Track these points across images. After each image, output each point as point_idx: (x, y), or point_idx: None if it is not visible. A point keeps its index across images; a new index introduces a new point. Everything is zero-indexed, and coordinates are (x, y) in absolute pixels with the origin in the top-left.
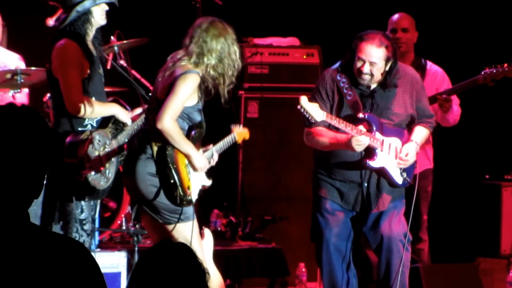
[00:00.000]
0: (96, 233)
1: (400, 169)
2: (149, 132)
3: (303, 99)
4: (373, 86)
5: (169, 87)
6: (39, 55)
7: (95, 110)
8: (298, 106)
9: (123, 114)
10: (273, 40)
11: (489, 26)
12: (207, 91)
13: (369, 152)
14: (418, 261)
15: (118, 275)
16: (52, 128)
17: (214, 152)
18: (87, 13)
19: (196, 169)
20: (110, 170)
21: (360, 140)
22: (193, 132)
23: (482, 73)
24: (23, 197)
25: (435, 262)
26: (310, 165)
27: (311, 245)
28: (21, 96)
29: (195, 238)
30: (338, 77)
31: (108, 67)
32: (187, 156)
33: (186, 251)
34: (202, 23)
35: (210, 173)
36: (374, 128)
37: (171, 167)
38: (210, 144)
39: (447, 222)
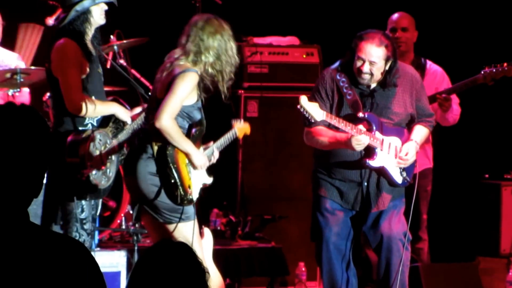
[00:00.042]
0: (96, 232)
1: (400, 168)
2: (149, 132)
3: (303, 99)
4: (373, 85)
5: (168, 86)
6: (39, 55)
7: (95, 109)
8: (298, 106)
9: (123, 113)
10: (272, 40)
11: (488, 26)
12: (206, 89)
13: (369, 151)
14: (418, 261)
15: (117, 274)
16: (52, 128)
17: (214, 149)
18: (86, 13)
19: (196, 167)
20: (111, 169)
21: (360, 139)
22: (193, 131)
23: (482, 72)
24: (23, 196)
25: (434, 262)
26: (309, 164)
27: (310, 244)
28: (23, 95)
29: (196, 237)
30: (338, 77)
31: (108, 66)
32: (186, 154)
33: (186, 251)
34: (198, 21)
35: (210, 170)
36: (374, 127)
37: (172, 166)
38: (211, 141)
39: (447, 221)
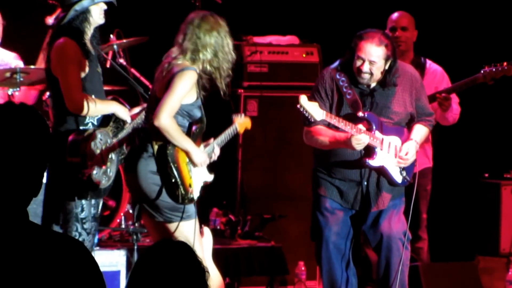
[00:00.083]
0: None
1: (400, 167)
2: (150, 131)
3: (303, 99)
4: (373, 85)
5: (167, 85)
6: (39, 54)
7: (95, 108)
8: (298, 106)
9: (123, 112)
10: (272, 39)
11: (488, 25)
12: (204, 87)
13: (369, 150)
14: (418, 260)
15: (117, 273)
16: (53, 127)
17: (215, 146)
18: (85, 12)
19: (196, 165)
20: (111, 168)
21: (360, 139)
22: (193, 128)
23: (482, 71)
24: (22, 195)
25: (434, 261)
26: (309, 163)
27: (310, 244)
28: (32, 94)
29: (196, 237)
30: (338, 76)
31: (108, 65)
32: (186, 152)
33: (186, 250)
34: (194, 19)
35: (211, 168)
36: (374, 127)
37: (172, 166)
38: (211, 138)
39: (447, 220)
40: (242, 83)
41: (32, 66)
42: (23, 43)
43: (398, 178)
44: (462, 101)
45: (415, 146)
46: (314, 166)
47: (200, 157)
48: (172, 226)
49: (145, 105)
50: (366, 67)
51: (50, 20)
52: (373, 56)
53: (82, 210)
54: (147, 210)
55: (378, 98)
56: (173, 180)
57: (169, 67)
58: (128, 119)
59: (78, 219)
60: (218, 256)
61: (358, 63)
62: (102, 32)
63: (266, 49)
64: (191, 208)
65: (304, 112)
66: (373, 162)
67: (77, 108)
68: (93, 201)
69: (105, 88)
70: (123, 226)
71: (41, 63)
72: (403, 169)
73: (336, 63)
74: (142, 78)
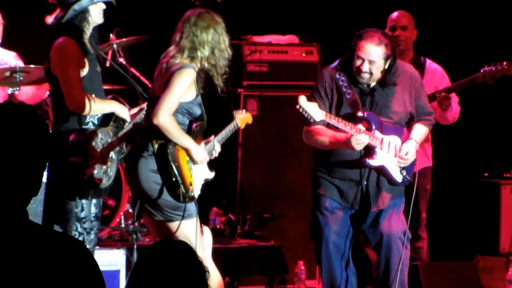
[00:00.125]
0: None
1: (400, 167)
2: (150, 130)
3: (302, 99)
4: (372, 84)
5: (166, 84)
6: (38, 53)
7: (95, 107)
8: (297, 106)
9: (123, 111)
10: (272, 38)
11: (488, 24)
12: (204, 84)
13: (369, 150)
14: (417, 259)
15: (117, 273)
16: (53, 127)
17: (216, 143)
18: (84, 12)
19: (196, 162)
20: (111, 168)
21: (359, 139)
22: (194, 126)
23: (481, 71)
24: (21, 194)
25: (434, 260)
26: (309, 162)
27: (310, 243)
28: (39, 92)
29: (198, 236)
30: (337, 76)
31: (107, 65)
32: (186, 150)
33: (186, 250)
34: (190, 17)
35: (212, 165)
36: (373, 127)
37: (173, 164)
38: (212, 136)
39: (446, 220)
40: (242, 83)
41: (32, 66)
42: (23, 43)
43: (398, 177)
44: (462, 101)
45: (415, 145)
46: (313, 165)
47: (200, 154)
48: (172, 225)
49: (144, 105)
50: (365, 67)
51: (50, 19)
52: (373, 55)
53: (82, 210)
54: (147, 209)
55: (378, 97)
56: (173, 179)
57: (167, 66)
58: (128, 119)
59: (78, 219)
60: (217, 256)
61: (358, 62)
62: (102, 31)
63: (265, 49)
64: (191, 207)
65: (304, 113)
66: (373, 162)
67: (78, 108)
68: (94, 200)
69: (105, 87)
70: (122, 225)
71: None
72: (403, 168)
73: (335, 63)
74: (142, 78)
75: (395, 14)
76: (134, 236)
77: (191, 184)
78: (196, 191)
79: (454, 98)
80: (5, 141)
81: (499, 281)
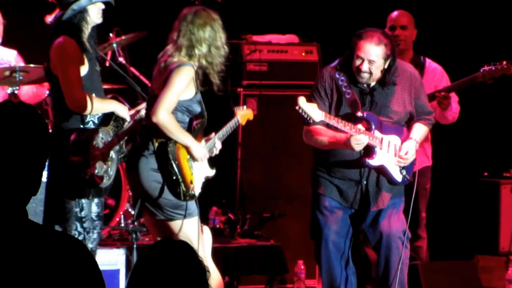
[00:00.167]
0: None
1: (400, 166)
2: (150, 129)
3: (301, 100)
4: (372, 84)
5: (165, 82)
6: (38, 53)
7: (96, 106)
8: (296, 107)
9: (123, 111)
10: (271, 38)
11: (488, 24)
12: (203, 82)
13: (368, 150)
14: (417, 259)
15: (116, 272)
16: (54, 126)
17: (216, 140)
18: (83, 12)
19: (196, 159)
20: (112, 167)
21: (359, 139)
22: (194, 123)
23: (481, 70)
24: (21, 194)
25: (433, 260)
26: (309, 162)
27: (310, 243)
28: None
29: (199, 235)
30: (337, 75)
31: (107, 64)
32: (186, 147)
33: (186, 249)
34: (186, 15)
35: (212, 164)
36: (373, 126)
37: (173, 163)
38: (212, 133)
39: (446, 219)
40: (242, 82)
41: (31, 65)
42: (23, 42)
43: (398, 177)
44: (462, 100)
45: (415, 145)
46: (313, 165)
47: (200, 151)
48: (173, 224)
49: (140, 106)
50: (365, 67)
51: (49, 18)
52: (372, 55)
53: (82, 209)
54: (148, 208)
55: (378, 97)
56: (174, 177)
57: (165, 64)
58: (128, 118)
59: (78, 218)
60: (217, 255)
61: (358, 62)
62: (101, 31)
63: (265, 48)
64: (192, 206)
65: (303, 114)
66: (373, 162)
67: (78, 107)
68: (96, 200)
69: (104, 87)
70: (122, 225)
71: None
72: (403, 168)
73: (335, 62)
74: (142, 77)
75: (394, 13)
76: (134, 236)
77: (191, 182)
78: (196, 189)
79: (454, 97)
80: (4, 141)
81: (498, 281)
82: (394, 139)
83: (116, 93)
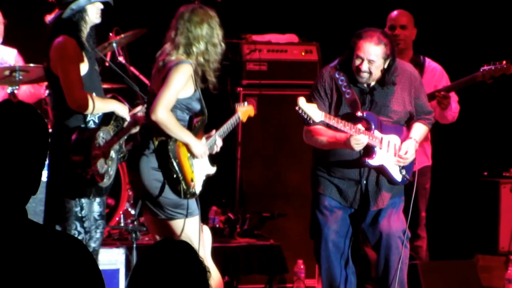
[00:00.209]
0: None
1: (399, 166)
2: (150, 128)
3: (301, 100)
4: (372, 84)
5: (164, 80)
6: (38, 52)
7: (97, 106)
8: (296, 107)
9: (123, 110)
10: (271, 37)
11: (487, 24)
12: (202, 79)
13: (368, 150)
14: (416, 258)
15: (116, 271)
16: (54, 125)
17: (217, 137)
18: (81, 11)
19: (196, 156)
20: (112, 167)
21: (359, 139)
22: (195, 121)
23: (481, 70)
24: (20, 193)
25: (433, 259)
26: (308, 161)
27: (309, 242)
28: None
29: (199, 235)
30: (337, 75)
31: (106, 64)
32: (185, 145)
33: (187, 249)
34: (183, 13)
35: (213, 160)
36: (373, 126)
37: (173, 161)
38: (213, 130)
39: (446, 219)
40: (241, 82)
41: (31, 65)
42: (23, 42)
43: (397, 176)
44: (461, 100)
45: (415, 144)
46: (313, 164)
47: (199, 148)
48: (173, 223)
49: (136, 109)
50: (365, 66)
51: (49, 18)
52: (372, 55)
53: (82, 209)
54: (149, 208)
55: (377, 97)
56: (174, 175)
57: (164, 63)
58: (128, 118)
59: (78, 218)
60: (217, 255)
61: (357, 62)
62: (101, 30)
63: (265, 48)
64: (193, 205)
65: (303, 114)
66: (373, 161)
67: (79, 106)
68: (98, 199)
69: (104, 86)
70: (122, 224)
71: None
72: (403, 167)
73: (335, 62)
74: (142, 77)
75: (394, 13)
76: (134, 235)
77: (192, 180)
78: (197, 187)
79: (454, 97)
80: (3, 140)
81: (498, 280)
82: (393, 139)
83: (116, 92)
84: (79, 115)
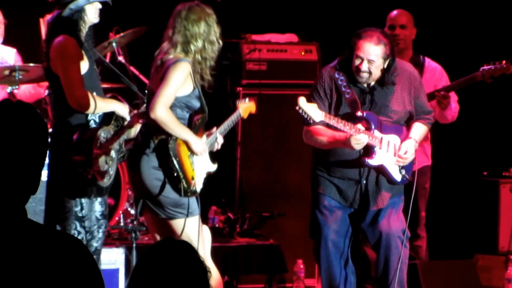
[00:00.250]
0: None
1: (399, 166)
2: (150, 127)
3: (301, 100)
4: (372, 83)
5: (162, 79)
6: (38, 52)
7: (98, 105)
8: (297, 107)
9: (123, 110)
10: (271, 37)
11: (487, 23)
12: (201, 77)
13: (368, 150)
14: (416, 258)
15: (116, 271)
16: (54, 125)
17: (218, 134)
18: (80, 11)
19: (196, 154)
20: (112, 167)
21: (359, 139)
22: (195, 119)
23: (480, 70)
24: (20, 193)
25: (433, 259)
26: (308, 161)
27: (309, 242)
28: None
29: (199, 234)
30: (336, 75)
31: (107, 62)
32: (185, 142)
33: (187, 249)
34: (181, 11)
35: (214, 157)
36: (373, 126)
37: (174, 160)
38: (214, 127)
39: (445, 218)
40: (241, 81)
41: (31, 64)
42: (23, 41)
43: (397, 176)
44: (461, 100)
45: (414, 144)
46: (313, 164)
47: (199, 146)
48: (174, 223)
49: (135, 111)
50: (364, 66)
51: (48, 18)
52: (372, 55)
53: (82, 209)
54: (150, 207)
55: (377, 97)
56: (175, 174)
57: (162, 61)
58: (128, 117)
59: (77, 218)
60: (216, 254)
61: (357, 62)
62: (101, 30)
63: (265, 47)
64: (193, 205)
65: (303, 114)
66: (372, 161)
67: (80, 106)
68: (99, 199)
69: (104, 86)
70: (122, 224)
71: None
72: (402, 167)
73: (335, 62)
74: (142, 76)
75: (394, 12)
76: (133, 235)
77: (193, 178)
78: (198, 185)
79: (453, 97)
80: (3, 140)
81: (498, 280)
82: (393, 139)
83: (115, 92)
84: (80, 115)
